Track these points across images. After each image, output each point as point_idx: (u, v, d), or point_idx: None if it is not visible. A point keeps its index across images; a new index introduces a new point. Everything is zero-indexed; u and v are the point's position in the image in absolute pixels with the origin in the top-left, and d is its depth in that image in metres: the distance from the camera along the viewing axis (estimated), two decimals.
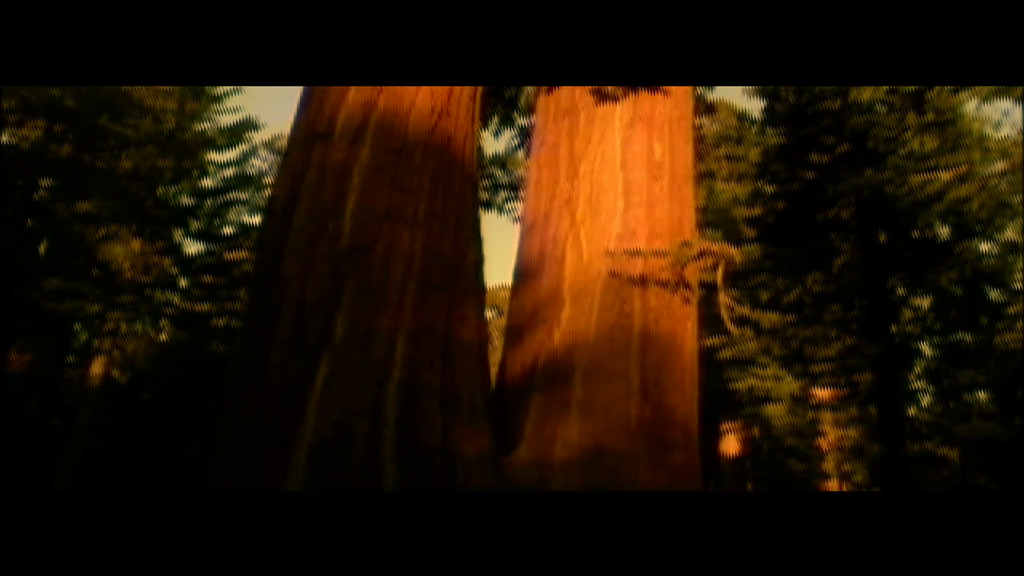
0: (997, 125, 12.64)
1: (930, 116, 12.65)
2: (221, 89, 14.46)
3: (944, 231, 13.28)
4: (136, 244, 13.67)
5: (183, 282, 14.89)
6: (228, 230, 14.89)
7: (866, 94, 12.41)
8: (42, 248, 13.56)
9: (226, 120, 14.61)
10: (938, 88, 12.49)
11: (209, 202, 14.75)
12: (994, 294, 13.10)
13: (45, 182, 13.60)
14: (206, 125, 14.47)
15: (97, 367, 13.21)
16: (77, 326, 15.11)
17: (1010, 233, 12.97)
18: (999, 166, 12.24)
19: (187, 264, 14.54)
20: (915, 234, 13.22)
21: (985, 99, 12.01)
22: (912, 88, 12.72)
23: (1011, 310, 12.76)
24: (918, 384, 14.28)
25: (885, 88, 12.49)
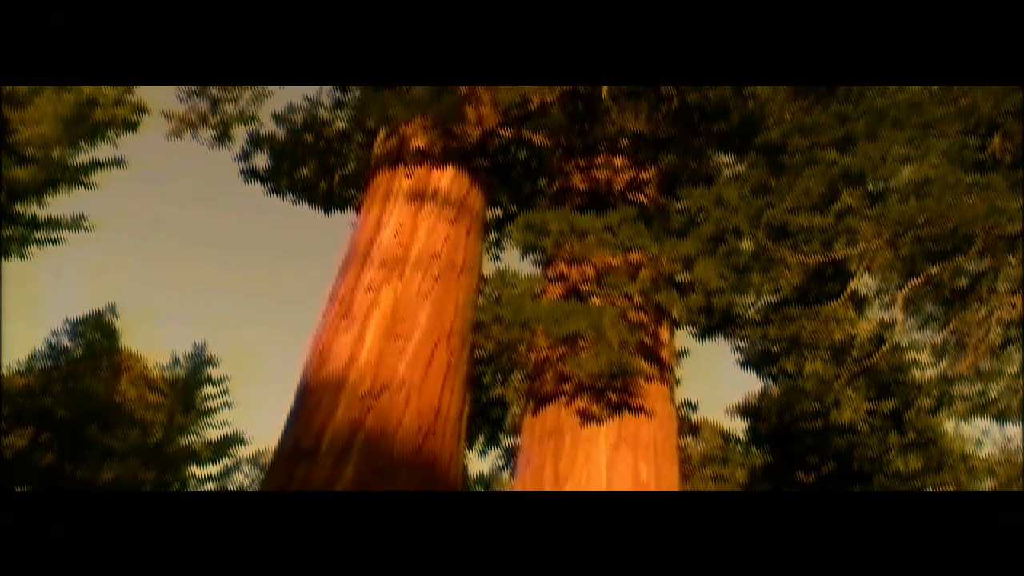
0: (979, 443, 12.80)
1: (911, 436, 12.85)
2: (211, 404, 14.69)
3: None
4: None
5: None
6: None
7: (847, 415, 12.67)
8: None
9: (213, 435, 14.63)
10: (916, 407, 12.79)
11: None
12: None
13: (21, 489, 13.35)
14: (192, 439, 14.52)
15: None
16: None
17: None
18: (987, 484, 12.24)
19: None
20: None
21: (963, 418, 12.25)
22: (891, 406, 13.02)
23: None
24: None
25: (865, 408, 12.78)
